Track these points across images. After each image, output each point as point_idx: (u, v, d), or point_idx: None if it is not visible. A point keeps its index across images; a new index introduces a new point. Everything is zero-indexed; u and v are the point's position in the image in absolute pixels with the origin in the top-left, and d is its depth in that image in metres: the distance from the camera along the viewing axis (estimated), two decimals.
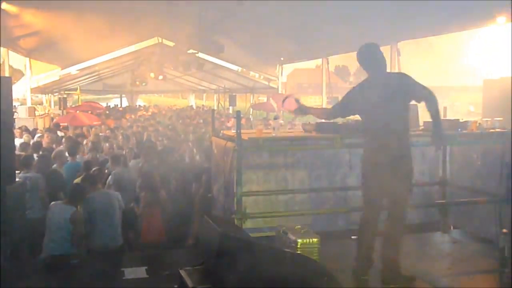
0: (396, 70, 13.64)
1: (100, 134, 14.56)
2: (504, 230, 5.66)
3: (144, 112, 28.90)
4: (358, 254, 5.52)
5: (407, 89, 5.20)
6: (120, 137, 13.25)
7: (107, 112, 27.21)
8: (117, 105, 38.24)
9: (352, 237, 6.95)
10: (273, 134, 6.00)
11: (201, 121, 20.65)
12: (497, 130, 6.37)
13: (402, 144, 5.23)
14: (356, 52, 5.43)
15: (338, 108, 5.67)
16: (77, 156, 9.80)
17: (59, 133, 14.78)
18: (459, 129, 6.34)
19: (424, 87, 5.21)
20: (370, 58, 5.38)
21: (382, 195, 5.35)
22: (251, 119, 22.60)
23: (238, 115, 5.83)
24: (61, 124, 17.86)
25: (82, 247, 6.95)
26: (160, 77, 22.79)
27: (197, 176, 8.21)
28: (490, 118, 6.64)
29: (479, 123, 6.52)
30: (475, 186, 7.01)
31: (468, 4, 9.62)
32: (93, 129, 15.80)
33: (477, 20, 10.60)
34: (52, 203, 7.07)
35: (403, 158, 5.22)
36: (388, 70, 5.74)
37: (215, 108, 31.72)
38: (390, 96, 5.14)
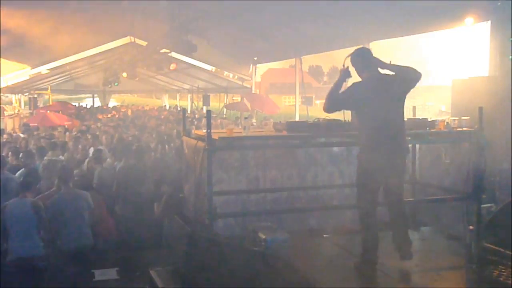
0: None
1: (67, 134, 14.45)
2: (471, 227, 5.78)
3: (115, 113, 28.63)
4: (363, 251, 5.58)
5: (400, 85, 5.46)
6: (90, 136, 13.13)
7: (82, 112, 26.87)
8: (87, 105, 37.76)
9: (324, 235, 7.03)
10: (244, 134, 6.01)
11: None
12: (464, 129, 6.47)
13: (399, 141, 5.49)
14: (350, 56, 5.57)
15: (341, 100, 5.57)
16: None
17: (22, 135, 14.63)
18: (428, 128, 6.43)
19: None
20: (366, 61, 5.53)
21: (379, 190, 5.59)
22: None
23: (208, 115, 5.84)
24: (31, 124, 17.65)
25: (50, 247, 6.86)
26: (136, 78, 22.68)
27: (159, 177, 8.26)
28: (458, 117, 6.75)
29: (447, 122, 6.62)
30: (443, 184, 7.12)
31: (437, 6, 9.77)
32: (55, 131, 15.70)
33: (446, 22, 10.76)
34: (5, 203, 6.88)
35: (399, 154, 5.51)
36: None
37: (189, 108, 31.64)
38: (389, 95, 5.40)
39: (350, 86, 5.59)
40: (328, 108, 5.58)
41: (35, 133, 15.51)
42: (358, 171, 5.70)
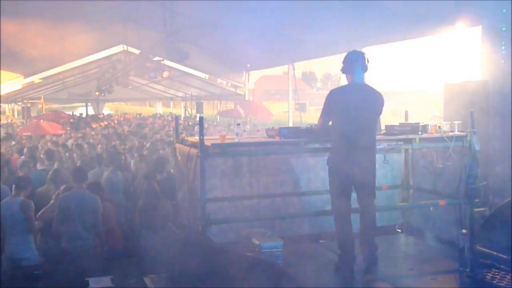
0: None
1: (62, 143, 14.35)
2: (464, 231, 5.79)
3: (108, 121, 28.52)
4: (341, 254, 5.75)
5: (380, 110, 5.86)
6: (86, 145, 13.08)
7: (71, 120, 26.76)
8: (82, 114, 37.66)
9: (320, 241, 7.04)
10: (236, 140, 6.01)
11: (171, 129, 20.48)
12: (457, 133, 6.49)
13: (369, 144, 5.73)
14: (341, 54, 5.97)
15: (326, 117, 5.87)
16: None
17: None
18: (420, 133, 6.45)
19: None
20: (356, 65, 5.78)
21: (351, 189, 5.80)
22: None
23: (200, 121, 5.84)
24: (24, 133, 17.61)
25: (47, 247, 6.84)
26: (129, 86, 22.63)
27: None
28: (450, 121, 6.77)
29: (439, 127, 6.64)
30: (436, 188, 7.14)
31: (429, 11, 9.82)
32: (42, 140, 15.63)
33: (438, 26, 10.80)
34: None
35: (369, 156, 5.73)
36: None
37: (182, 115, 31.61)
38: (369, 104, 5.71)
39: (327, 97, 5.84)
40: (321, 128, 5.96)
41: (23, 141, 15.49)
42: (328, 175, 5.90)
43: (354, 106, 5.62)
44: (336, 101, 5.78)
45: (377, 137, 6.12)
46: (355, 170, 5.59)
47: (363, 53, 5.92)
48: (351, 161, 5.58)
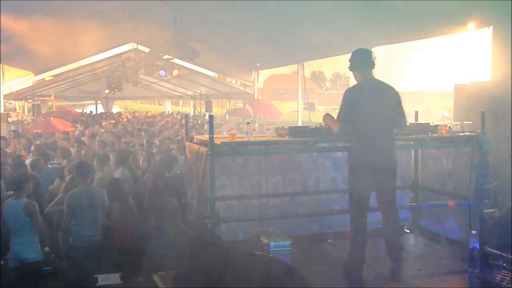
0: None
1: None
2: (473, 232, 5.77)
3: (119, 119, 28.63)
4: (351, 253, 5.75)
5: (398, 102, 5.77)
6: (96, 143, 13.12)
7: (82, 118, 26.86)
8: (92, 111, 37.81)
9: (329, 240, 7.03)
10: (246, 139, 6.02)
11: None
12: (467, 133, 6.47)
13: (390, 146, 5.75)
14: (350, 54, 5.83)
15: (346, 119, 5.68)
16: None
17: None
18: (430, 133, 6.43)
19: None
20: (365, 62, 5.78)
21: (371, 188, 5.76)
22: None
23: (211, 120, 5.85)
24: (34, 131, 17.68)
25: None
26: (139, 85, 22.67)
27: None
28: (460, 122, 6.74)
29: (449, 127, 6.62)
30: (446, 189, 7.12)
31: (440, 11, 9.79)
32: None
33: (448, 27, 10.77)
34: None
35: (391, 159, 5.73)
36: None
37: (192, 114, 31.69)
38: (386, 100, 5.68)
39: (345, 97, 5.73)
40: (342, 132, 5.75)
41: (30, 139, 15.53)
42: (349, 175, 5.87)
43: (374, 104, 5.59)
44: (354, 100, 5.68)
45: None
46: (379, 169, 5.59)
47: (369, 50, 5.87)
48: (374, 160, 5.56)
